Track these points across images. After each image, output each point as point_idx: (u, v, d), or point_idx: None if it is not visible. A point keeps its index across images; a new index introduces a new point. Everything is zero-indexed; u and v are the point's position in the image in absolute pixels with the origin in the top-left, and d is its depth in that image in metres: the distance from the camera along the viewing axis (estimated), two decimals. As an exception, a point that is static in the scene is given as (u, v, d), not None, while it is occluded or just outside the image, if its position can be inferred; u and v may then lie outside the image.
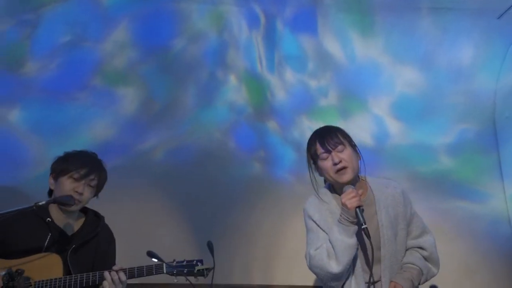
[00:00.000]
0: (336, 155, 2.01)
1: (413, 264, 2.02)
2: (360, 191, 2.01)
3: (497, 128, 3.04)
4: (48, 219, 2.06)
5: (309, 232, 2.09)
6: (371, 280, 1.89)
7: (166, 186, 2.96)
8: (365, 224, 1.87)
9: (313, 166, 2.11)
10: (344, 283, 1.98)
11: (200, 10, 3.18)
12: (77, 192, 2.06)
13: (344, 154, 2.02)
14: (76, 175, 2.06)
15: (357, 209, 1.89)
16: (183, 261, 1.99)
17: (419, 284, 2.03)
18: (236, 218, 2.91)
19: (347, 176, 2.00)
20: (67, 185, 2.06)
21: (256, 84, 3.14)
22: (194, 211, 2.92)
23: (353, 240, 1.92)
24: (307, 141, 2.99)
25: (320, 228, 2.03)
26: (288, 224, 2.90)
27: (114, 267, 1.96)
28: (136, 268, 1.96)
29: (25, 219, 2.03)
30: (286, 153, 3.05)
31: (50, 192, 2.12)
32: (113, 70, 3.13)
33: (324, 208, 2.07)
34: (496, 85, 3.07)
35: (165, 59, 3.15)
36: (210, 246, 1.87)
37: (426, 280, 2.05)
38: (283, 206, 2.93)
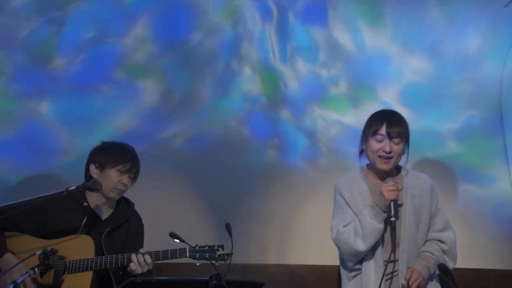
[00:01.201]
0: (391, 144, 2.03)
1: (431, 254, 2.06)
2: (399, 185, 2.04)
3: (503, 114, 3.00)
4: (85, 203, 2.14)
5: (337, 207, 2.14)
6: (390, 258, 1.96)
7: (185, 173, 3.01)
8: (395, 218, 1.95)
9: (363, 137, 2.13)
10: (363, 260, 2.05)
11: (216, 5, 3.18)
12: (122, 183, 2.14)
13: (397, 147, 2.05)
14: (122, 169, 2.14)
15: (392, 202, 1.95)
16: (205, 246, 2.03)
17: (434, 272, 2.07)
18: (252, 202, 2.94)
19: (387, 166, 2.05)
20: (114, 177, 2.14)
21: (269, 75, 3.15)
22: (212, 195, 2.96)
23: (381, 226, 1.98)
24: (318, 129, 3.05)
25: (349, 206, 2.10)
26: (300, 208, 2.94)
27: (141, 250, 2.02)
28: (161, 252, 2.03)
29: (64, 204, 2.11)
30: (298, 141, 3.06)
31: (90, 178, 2.18)
32: (134, 64, 3.16)
33: (355, 189, 2.12)
34: (503, 72, 3.02)
35: (183, 53, 3.17)
36: (228, 228, 1.88)
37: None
38: (296, 191, 2.96)
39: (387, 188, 1.97)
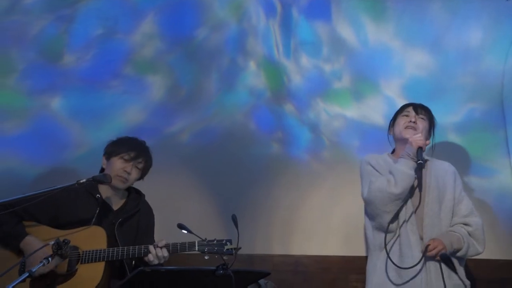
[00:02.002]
0: (416, 117, 2.21)
1: (455, 232, 2.07)
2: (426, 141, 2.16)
3: (504, 107, 2.97)
4: (98, 195, 2.16)
5: (366, 174, 2.21)
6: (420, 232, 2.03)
7: (193, 165, 3.03)
8: (422, 160, 2.05)
9: (392, 121, 2.32)
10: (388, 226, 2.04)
11: (221, 1, 3.19)
12: (125, 171, 2.16)
13: (422, 122, 2.21)
14: (126, 157, 2.17)
15: (419, 149, 2.07)
16: (213, 240, 2.06)
17: (458, 251, 2.05)
18: (257, 193, 2.96)
19: (413, 132, 2.16)
20: (118, 165, 2.16)
21: (273, 70, 3.15)
22: (218, 187, 2.98)
23: (411, 172, 2.05)
24: (322, 122, 3.06)
25: (377, 170, 2.18)
26: (304, 199, 2.95)
27: (160, 243, 2.05)
28: (171, 245, 2.06)
29: (77, 195, 2.14)
30: (302, 134, 3.07)
31: (102, 170, 2.22)
32: (142, 60, 3.18)
33: (380, 160, 2.24)
34: (504, 66, 2.99)
35: (190, 48, 3.19)
36: (234, 219, 1.89)
37: (467, 254, 2.07)
38: (300, 182, 2.97)
39: (415, 137, 2.11)
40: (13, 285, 1.48)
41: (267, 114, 3.10)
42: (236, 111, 3.11)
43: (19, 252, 2.03)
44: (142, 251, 2.03)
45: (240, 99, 3.13)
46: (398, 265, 2.00)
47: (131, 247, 2.04)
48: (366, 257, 2.31)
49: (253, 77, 3.15)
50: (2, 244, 2.05)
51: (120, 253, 2.02)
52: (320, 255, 2.79)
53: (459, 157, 2.94)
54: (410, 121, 2.21)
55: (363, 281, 2.65)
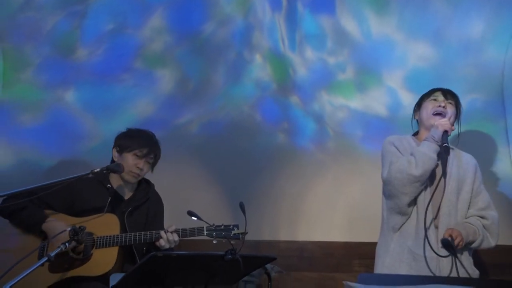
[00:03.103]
0: (445, 102, 2.09)
1: (471, 224, 2.01)
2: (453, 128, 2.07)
3: (504, 97, 2.95)
4: (109, 185, 2.20)
5: (388, 154, 2.10)
6: (434, 214, 1.96)
7: (201, 155, 3.05)
8: (447, 143, 1.97)
9: (417, 106, 2.19)
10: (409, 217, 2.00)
11: (227, -4, 3.18)
12: (138, 167, 2.18)
13: (450, 107, 2.10)
14: (139, 153, 2.18)
15: (445, 132, 1.98)
16: (221, 225, 2.07)
17: (472, 243, 2.01)
18: (264, 182, 2.98)
19: (440, 117, 2.06)
20: (131, 161, 2.18)
21: (279, 62, 3.15)
22: (226, 176, 3.00)
23: (434, 155, 1.96)
24: (326, 113, 3.05)
25: (399, 151, 2.08)
26: (309, 188, 2.97)
27: (170, 228, 2.07)
28: (181, 230, 2.09)
29: (90, 185, 2.17)
30: (307, 125, 3.08)
31: (112, 161, 2.24)
32: (152, 54, 3.19)
33: (404, 142, 2.13)
34: (505, 56, 2.96)
35: (197, 42, 3.20)
36: (242, 207, 1.87)
37: (480, 246, 2.04)
38: (305, 171, 2.98)
39: (441, 121, 2.02)
40: (32, 268, 1.53)
41: (273, 106, 3.11)
42: (243, 103, 3.12)
43: (41, 234, 2.07)
44: (154, 236, 2.06)
45: (247, 91, 3.13)
46: (412, 249, 1.95)
47: (142, 232, 2.07)
48: (368, 243, 2.32)
49: (259, 69, 3.15)
50: (25, 227, 2.09)
51: (132, 238, 2.05)
52: (324, 241, 2.81)
53: (459, 146, 2.93)
54: (440, 106, 2.09)
55: (365, 265, 2.68)
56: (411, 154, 2.00)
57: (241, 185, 2.96)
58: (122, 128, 2.38)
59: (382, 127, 2.98)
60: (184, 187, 2.96)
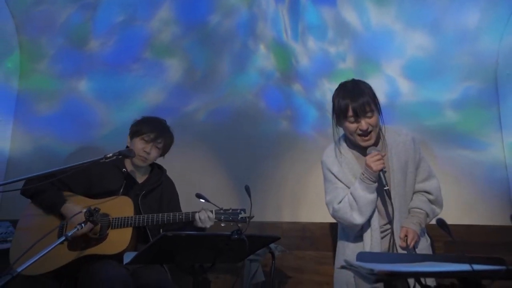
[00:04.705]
0: (365, 122, 1.83)
1: (420, 209, 1.95)
2: (382, 152, 1.87)
3: (498, 85, 2.92)
4: (124, 169, 2.21)
5: (328, 182, 2.00)
6: (388, 220, 1.87)
7: (208, 141, 3.07)
8: (387, 186, 1.79)
9: (336, 120, 1.93)
10: (362, 229, 1.93)
11: (232, -12, 3.15)
12: (145, 151, 2.19)
13: (372, 120, 1.84)
14: (146, 138, 2.19)
15: (381, 173, 1.79)
16: (229, 209, 2.10)
17: (425, 227, 1.99)
18: (268, 167, 2.99)
19: (370, 142, 1.88)
20: (139, 145, 2.19)
21: (282, 52, 3.14)
22: (232, 161, 3.02)
23: (374, 196, 1.85)
24: (328, 100, 3.03)
25: (339, 180, 1.94)
26: (311, 172, 2.97)
27: (203, 209, 2.09)
28: (191, 213, 2.10)
29: (107, 169, 2.19)
30: (309, 112, 3.08)
31: (127, 147, 2.25)
32: (160, 44, 3.19)
33: (342, 161, 1.95)
34: (499, 45, 2.92)
35: (204, 33, 3.19)
36: (247, 190, 1.86)
37: (431, 220, 2.00)
38: (307, 157, 2.99)
39: (373, 159, 1.79)
40: (52, 246, 1.55)
41: (276, 94, 3.11)
42: (247, 91, 3.11)
43: (61, 216, 2.10)
44: (190, 216, 2.08)
45: (251, 80, 3.13)
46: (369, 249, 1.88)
47: (177, 213, 2.08)
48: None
49: (263, 59, 3.14)
50: (45, 208, 2.12)
51: (149, 220, 2.07)
52: (325, 222, 2.82)
53: (454, 132, 2.93)
54: (360, 129, 1.85)
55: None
56: (351, 194, 1.87)
57: (246, 169, 2.97)
58: (133, 116, 2.39)
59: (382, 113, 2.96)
60: (192, 172, 2.98)
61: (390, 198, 1.84)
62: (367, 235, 1.92)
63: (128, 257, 1.82)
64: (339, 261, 2.01)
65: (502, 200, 2.79)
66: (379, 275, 1.10)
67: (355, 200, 1.86)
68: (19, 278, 1.38)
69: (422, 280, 1.28)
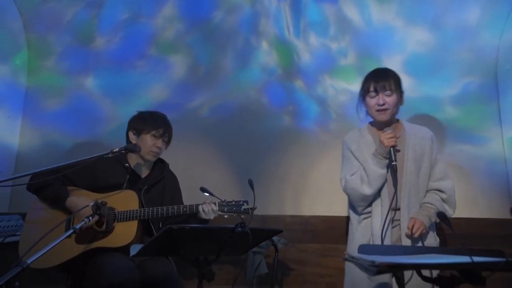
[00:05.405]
0: (382, 97, 2.01)
1: (431, 204, 2.00)
2: (397, 133, 2.01)
3: (498, 80, 2.91)
4: (127, 164, 2.21)
5: (345, 160, 2.13)
6: (392, 201, 1.91)
7: (212, 137, 3.06)
8: (395, 161, 1.92)
9: (361, 98, 2.11)
10: (372, 203, 2.01)
11: (235, -15, 3.13)
12: (157, 147, 2.20)
13: (389, 98, 2.02)
14: (156, 134, 2.20)
15: (392, 148, 1.93)
16: (232, 201, 2.09)
17: (434, 222, 2.01)
18: (270, 161, 2.99)
19: (384, 116, 2.03)
20: (150, 141, 2.19)
21: (284, 48, 3.13)
22: (235, 156, 3.02)
23: (384, 171, 1.97)
24: (329, 97, 3.04)
25: (355, 157, 2.07)
26: (313, 166, 2.98)
27: (207, 201, 2.09)
28: (195, 205, 2.10)
29: (111, 164, 2.19)
30: (311, 107, 3.07)
31: (129, 143, 2.24)
32: (164, 41, 3.18)
33: (361, 141, 2.10)
34: (499, 41, 2.90)
35: (207, 30, 3.17)
36: (250, 183, 1.88)
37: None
38: (309, 151, 2.99)
39: (385, 136, 1.96)
40: (60, 239, 1.55)
41: (279, 90, 3.10)
42: (250, 87, 3.11)
43: (65, 209, 2.10)
44: (194, 209, 2.09)
45: (254, 76, 3.12)
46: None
47: (181, 206, 2.09)
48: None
49: (266, 55, 3.13)
50: (50, 202, 2.13)
51: (155, 213, 2.07)
52: (326, 215, 2.83)
53: (454, 127, 2.92)
54: (378, 104, 2.02)
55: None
56: (364, 168, 2.00)
57: (249, 164, 2.97)
58: (139, 112, 2.38)
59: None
60: (195, 166, 2.98)
61: (396, 173, 1.90)
62: (377, 213, 1.97)
63: (134, 250, 1.83)
64: (350, 248, 2.07)
65: (501, 193, 2.79)
66: (381, 267, 1.10)
67: (367, 173, 1.98)
68: (28, 271, 1.38)
69: (428, 272, 1.28)
